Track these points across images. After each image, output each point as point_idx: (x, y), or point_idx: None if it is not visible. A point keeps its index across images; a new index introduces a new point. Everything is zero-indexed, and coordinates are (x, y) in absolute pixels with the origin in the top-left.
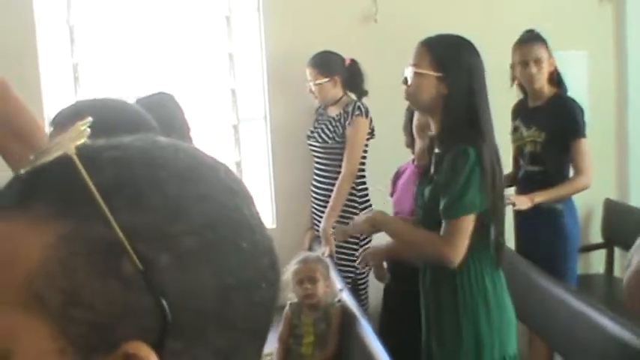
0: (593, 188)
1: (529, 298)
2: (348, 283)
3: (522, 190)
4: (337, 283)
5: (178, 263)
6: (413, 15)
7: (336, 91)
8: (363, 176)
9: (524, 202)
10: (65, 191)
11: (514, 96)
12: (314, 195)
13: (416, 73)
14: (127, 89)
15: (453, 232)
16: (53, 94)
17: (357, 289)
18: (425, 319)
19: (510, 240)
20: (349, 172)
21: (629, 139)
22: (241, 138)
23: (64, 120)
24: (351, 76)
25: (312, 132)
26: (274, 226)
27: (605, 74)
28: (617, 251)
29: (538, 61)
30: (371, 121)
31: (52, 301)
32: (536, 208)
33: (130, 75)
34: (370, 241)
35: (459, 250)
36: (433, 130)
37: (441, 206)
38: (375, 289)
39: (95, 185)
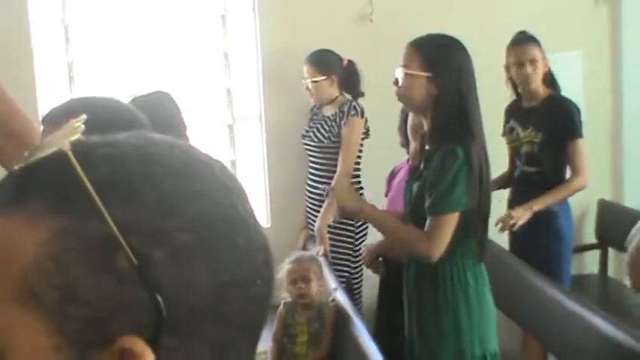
0: (588, 188)
1: (523, 298)
2: (342, 283)
3: (519, 191)
4: (331, 282)
5: (173, 259)
6: (409, 15)
7: (332, 91)
8: (358, 176)
9: (524, 215)
10: (59, 187)
11: (507, 96)
12: (309, 194)
13: (406, 74)
14: (122, 88)
15: (436, 228)
16: (48, 92)
17: (351, 288)
18: (407, 315)
19: (505, 240)
20: (344, 172)
21: (624, 140)
22: (236, 137)
23: (56, 118)
24: (348, 77)
25: (307, 131)
26: (269, 225)
27: (600, 75)
28: (611, 252)
29: (533, 61)
30: (366, 121)
31: (47, 297)
32: None
33: (124, 74)
34: (365, 240)
35: (438, 246)
36: (425, 128)
37: (427, 203)
38: (370, 288)
39: (90, 181)
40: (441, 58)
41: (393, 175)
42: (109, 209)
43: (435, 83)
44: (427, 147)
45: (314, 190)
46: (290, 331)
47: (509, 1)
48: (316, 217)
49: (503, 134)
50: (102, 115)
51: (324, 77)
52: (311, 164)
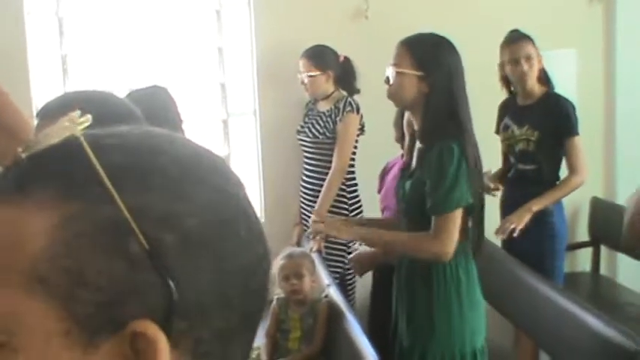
0: (581, 186)
1: (516, 295)
2: (335, 279)
3: (512, 188)
4: (324, 278)
5: (182, 243)
6: (404, 12)
7: (328, 86)
8: (353, 172)
9: (523, 217)
10: (70, 173)
11: (501, 94)
12: (303, 190)
13: (397, 73)
14: (116, 82)
15: (443, 227)
16: (42, 86)
17: (344, 284)
18: (398, 312)
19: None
20: (339, 168)
21: (617, 138)
22: (231, 132)
23: (52, 112)
24: (344, 73)
25: (302, 127)
26: (262, 221)
27: (594, 73)
28: (604, 249)
29: (529, 58)
30: (361, 117)
31: (57, 281)
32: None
33: (119, 68)
34: None
35: (449, 245)
36: (415, 126)
37: (430, 203)
38: (363, 285)
39: (101, 167)
40: (431, 57)
41: (386, 170)
42: (121, 194)
43: (426, 82)
44: (418, 145)
45: (308, 186)
46: (283, 327)
47: None
48: (310, 212)
49: (497, 132)
50: (97, 109)
51: (320, 72)
52: (306, 160)
